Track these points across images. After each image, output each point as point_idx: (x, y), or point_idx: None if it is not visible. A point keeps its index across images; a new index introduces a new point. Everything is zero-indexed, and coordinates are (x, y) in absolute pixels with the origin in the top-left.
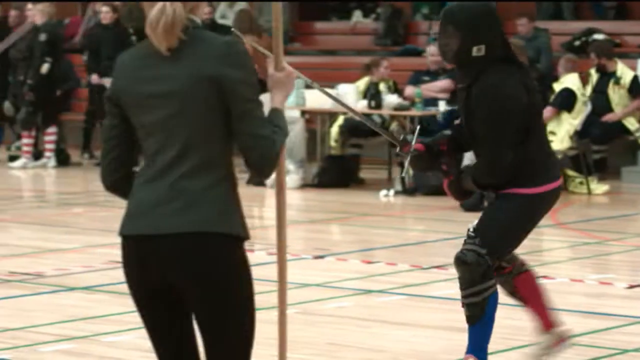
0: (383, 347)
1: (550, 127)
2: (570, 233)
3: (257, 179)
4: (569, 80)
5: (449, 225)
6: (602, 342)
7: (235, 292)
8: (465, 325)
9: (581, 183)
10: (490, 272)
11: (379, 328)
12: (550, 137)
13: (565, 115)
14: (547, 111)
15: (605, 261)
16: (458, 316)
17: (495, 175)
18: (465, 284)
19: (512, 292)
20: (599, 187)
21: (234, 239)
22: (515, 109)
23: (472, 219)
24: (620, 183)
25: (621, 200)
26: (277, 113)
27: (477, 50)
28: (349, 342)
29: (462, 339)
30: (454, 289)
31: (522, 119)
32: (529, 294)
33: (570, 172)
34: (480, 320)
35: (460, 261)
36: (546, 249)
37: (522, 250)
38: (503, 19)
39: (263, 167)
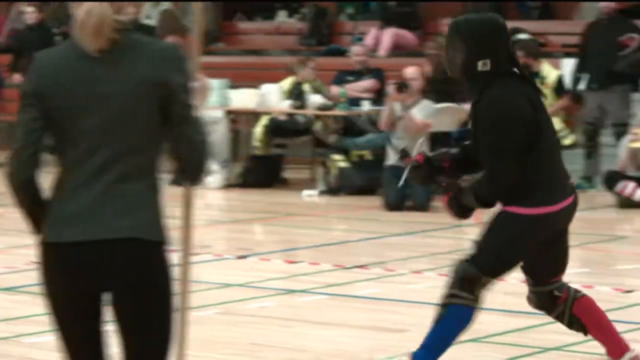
0: (305, 347)
1: None
2: None
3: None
4: None
5: (372, 225)
6: (525, 340)
7: (166, 295)
8: (389, 325)
9: None
10: (467, 285)
11: (302, 328)
12: None
13: None
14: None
15: None
16: (380, 316)
17: (498, 188)
18: (447, 287)
19: (571, 322)
20: None
21: (165, 245)
22: (519, 120)
23: (395, 219)
24: None
25: None
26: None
27: (483, 65)
28: (272, 342)
29: (384, 339)
30: (377, 288)
31: (525, 132)
32: (592, 320)
33: None
34: (436, 323)
35: (453, 269)
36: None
37: (443, 249)
38: (428, 19)
39: (199, 171)
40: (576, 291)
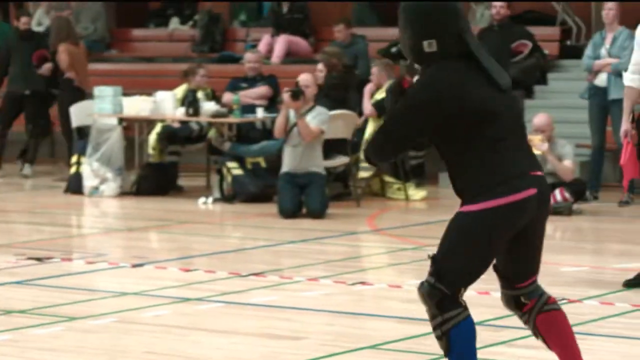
0: (201, 355)
1: (369, 135)
2: (388, 239)
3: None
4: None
5: (267, 233)
6: (420, 347)
7: None
8: (284, 332)
9: (399, 189)
10: (447, 302)
11: (197, 336)
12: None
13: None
14: (370, 112)
15: (424, 267)
16: (275, 323)
17: (374, 154)
18: (429, 317)
19: (535, 333)
20: (417, 193)
21: None
22: (434, 102)
23: (290, 226)
24: (438, 189)
25: (438, 206)
26: None
27: (429, 45)
28: (167, 350)
29: (280, 346)
30: (272, 296)
31: (440, 117)
32: (552, 337)
33: (388, 178)
34: (450, 354)
35: (419, 293)
36: (365, 254)
37: (338, 256)
38: (322, 25)
39: None
40: (547, 303)
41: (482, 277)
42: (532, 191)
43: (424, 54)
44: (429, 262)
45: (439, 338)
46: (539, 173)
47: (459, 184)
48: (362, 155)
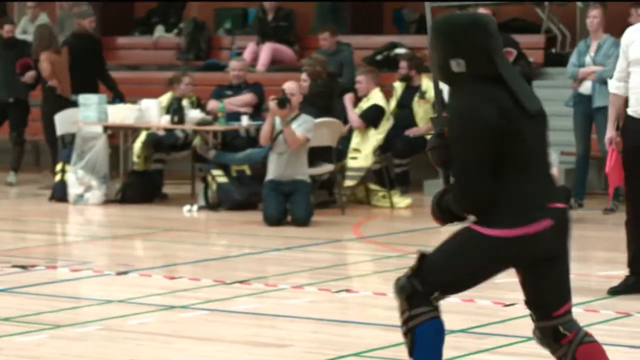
0: None
1: (354, 144)
2: (373, 247)
3: None
4: (377, 97)
5: (252, 240)
6: (405, 355)
7: None
8: (269, 340)
9: (384, 197)
10: (417, 299)
11: (182, 343)
12: (355, 154)
13: (372, 132)
14: (359, 124)
15: None
16: (260, 331)
17: (467, 204)
18: (399, 311)
19: None
20: (402, 201)
21: None
22: (485, 131)
23: (275, 234)
24: (423, 196)
25: (423, 214)
26: None
27: (457, 65)
28: (152, 358)
29: (265, 354)
30: (257, 304)
31: (492, 141)
32: None
33: (373, 186)
34: (414, 353)
35: (394, 285)
36: (350, 262)
37: (323, 264)
38: (305, 34)
39: None
40: (586, 335)
41: None
42: (547, 223)
43: (452, 74)
44: (415, 255)
45: (405, 335)
46: (559, 205)
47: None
48: (348, 164)
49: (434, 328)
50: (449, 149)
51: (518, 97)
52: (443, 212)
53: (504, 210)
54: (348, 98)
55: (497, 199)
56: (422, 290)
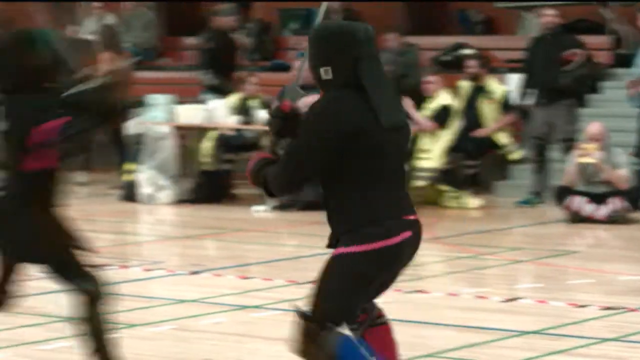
0: None
1: (425, 144)
2: (444, 247)
3: None
4: (444, 97)
5: (323, 241)
6: (477, 356)
7: None
8: None
9: (455, 197)
10: (316, 332)
11: (256, 343)
12: (426, 155)
13: (442, 132)
14: (430, 126)
15: (480, 275)
16: None
17: (275, 189)
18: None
19: None
20: (473, 202)
21: None
22: (334, 130)
23: None
24: (493, 197)
25: (494, 214)
26: None
27: (325, 73)
28: (225, 358)
29: None
30: None
31: (334, 151)
32: (378, 349)
33: (444, 187)
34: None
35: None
36: (421, 263)
37: None
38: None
39: None
40: (378, 316)
41: (540, 286)
42: (407, 234)
43: (322, 81)
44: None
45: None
46: (412, 217)
47: (337, 220)
48: (418, 165)
49: (347, 345)
50: (287, 126)
51: (377, 110)
52: (258, 178)
53: (365, 225)
54: (407, 101)
55: (355, 211)
56: (317, 327)
